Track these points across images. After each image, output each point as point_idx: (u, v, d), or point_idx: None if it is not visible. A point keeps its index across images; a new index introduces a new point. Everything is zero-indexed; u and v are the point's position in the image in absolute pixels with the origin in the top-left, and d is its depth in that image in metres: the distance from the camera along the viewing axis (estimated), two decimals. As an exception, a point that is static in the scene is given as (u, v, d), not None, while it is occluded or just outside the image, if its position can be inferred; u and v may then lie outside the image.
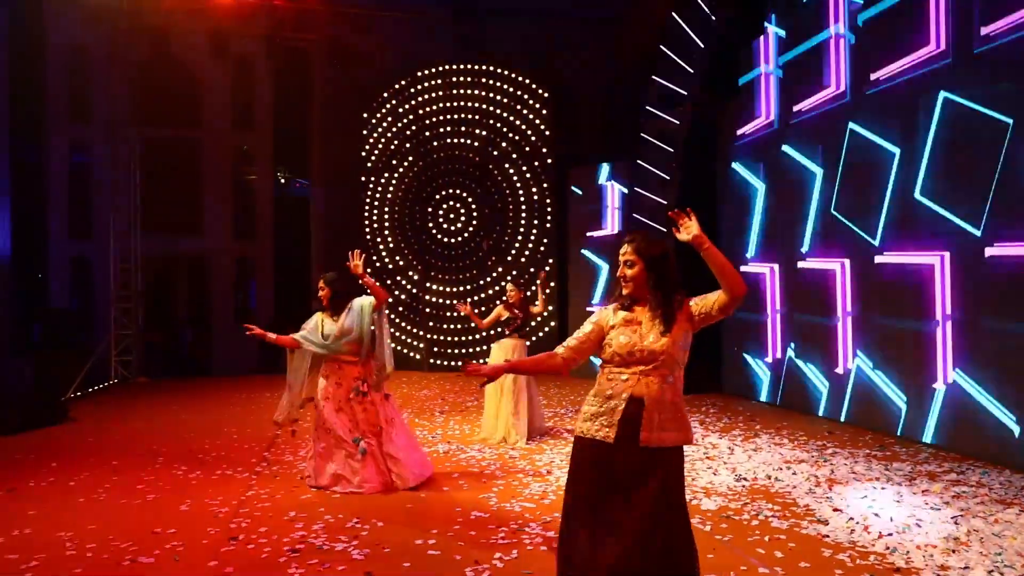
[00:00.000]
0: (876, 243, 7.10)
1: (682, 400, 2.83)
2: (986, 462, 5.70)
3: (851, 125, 7.45)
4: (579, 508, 2.78)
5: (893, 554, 3.82)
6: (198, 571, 3.72)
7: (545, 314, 7.39)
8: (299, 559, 3.87)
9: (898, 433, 6.72)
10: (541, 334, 12.21)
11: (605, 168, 11.73)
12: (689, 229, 2.75)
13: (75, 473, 5.75)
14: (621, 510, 2.69)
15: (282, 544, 4.09)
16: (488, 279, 13.00)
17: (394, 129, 13.24)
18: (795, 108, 8.36)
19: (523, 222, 13.00)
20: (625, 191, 11.33)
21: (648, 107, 10.59)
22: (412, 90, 13.15)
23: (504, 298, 7.30)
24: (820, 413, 7.89)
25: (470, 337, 12.76)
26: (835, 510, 4.56)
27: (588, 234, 11.95)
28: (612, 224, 11.63)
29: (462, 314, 7.78)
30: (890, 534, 4.09)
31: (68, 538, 4.20)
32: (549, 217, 12.87)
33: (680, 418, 2.78)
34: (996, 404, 5.75)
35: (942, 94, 6.25)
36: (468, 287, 13.01)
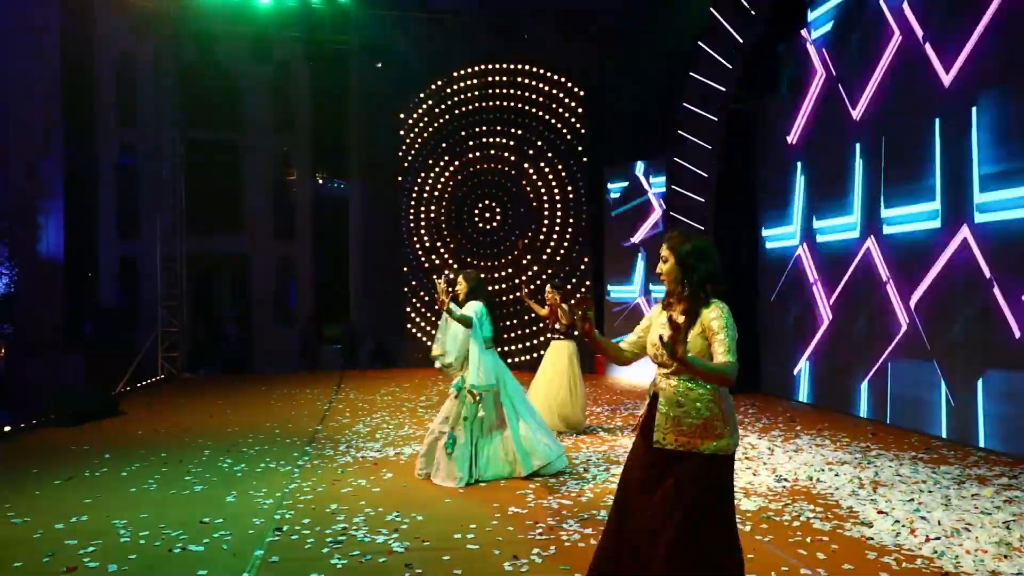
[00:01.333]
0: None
1: (715, 405, 2.69)
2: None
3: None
4: (616, 494, 2.92)
5: (941, 558, 3.73)
6: (245, 560, 3.82)
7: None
8: (341, 550, 3.95)
9: (944, 435, 6.55)
10: (576, 332, 12.17)
11: (640, 166, 11.65)
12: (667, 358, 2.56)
13: (126, 464, 5.96)
14: (639, 504, 2.76)
15: (324, 536, 4.18)
16: (524, 277, 13.04)
17: (430, 129, 13.37)
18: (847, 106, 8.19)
19: (559, 221, 13.01)
20: (662, 190, 11.24)
21: (686, 104, 10.49)
22: (448, 90, 13.27)
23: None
24: (862, 414, 7.72)
25: (515, 333, 12.79)
26: (880, 512, 4.46)
27: (631, 233, 11.88)
28: (648, 223, 11.55)
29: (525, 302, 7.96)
30: (938, 538, 3.99)
31: (122, 526, 4.37)
32: (584, 216, 12.85)
33: (703, 423, 2.67)
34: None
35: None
36: (504, 286, 13.07)
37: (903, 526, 4.19)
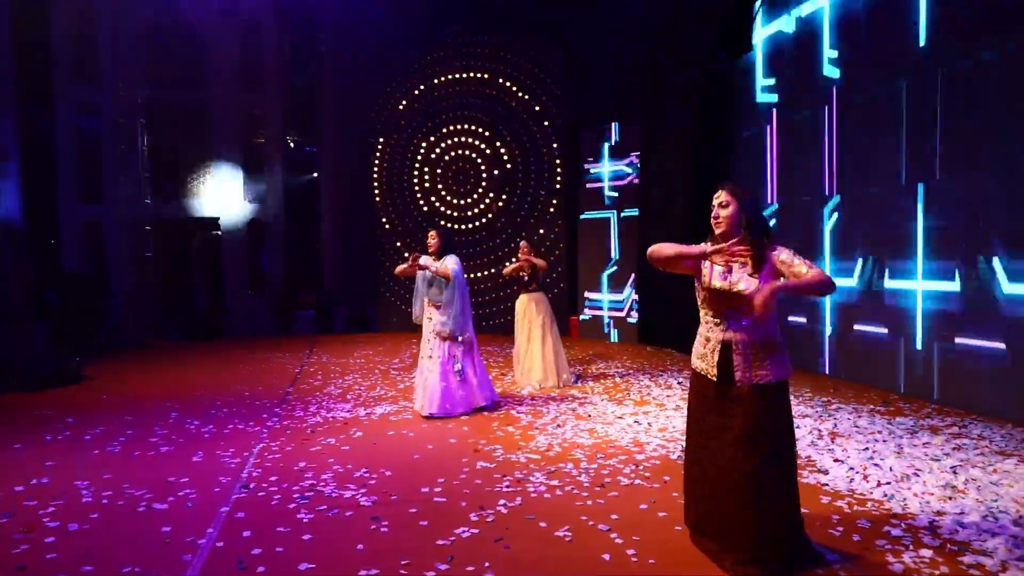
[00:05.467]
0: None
1: (776, 338, 3.02)
2: (989, 416, 5.71)
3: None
4: (691, 431, 3.21)
5: (890, 501, 3.86)
6: (210, 516, 3.83)
7: (546, 267, 7.62)
8: (308, 505, 3.98)
9: (901, 390, 6.73)
10: (550, 295, 12.22)
11: (616, 128, 11.59)
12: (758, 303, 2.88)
13: (90, 428, 5.91)
14: (716, 437, 3.04)
15: (292, 492, 4.21)
16: (499, 240, 13.00)
17: (403, 90, 13.13)
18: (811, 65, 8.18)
19: (532, 183, 12.94)
20: (638, 152, 11.20)
21: (662, 67, 10.40)
22: (422, 51, 13.00)
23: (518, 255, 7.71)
24: (826, 371, 7.90)
25: (487, 297, 12.81)
26: (836, 461, 4.60)
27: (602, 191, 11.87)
28: (623, 183, 11.53)
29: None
30: (888, 483, 4.13)
31: (84, 487, 4.35)
32: (559, 178, 12.79)
33: (775, 356, 2.99)
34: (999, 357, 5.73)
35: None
36: (479, 248, 13.03)
37: (857, 473, 4.33)
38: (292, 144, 14.57)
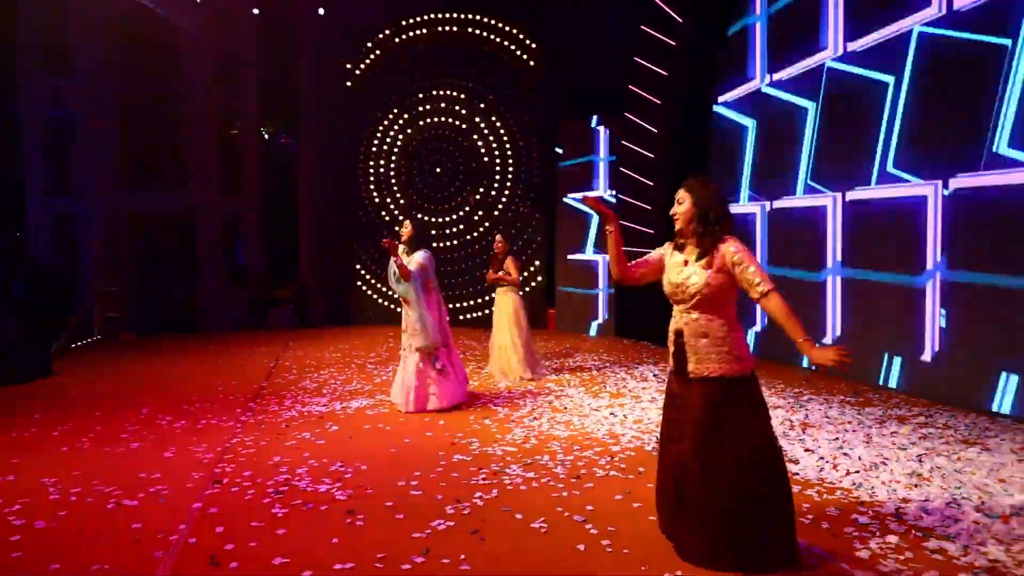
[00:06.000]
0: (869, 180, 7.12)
1: (732, 333, 3.02)
2: (955, 406, 5.84)
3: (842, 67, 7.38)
4: (662, 423, 3.24)
5: (859, 489, 3.94)
6: (182, 512, 3.79)
7: (515, 279, 7.60)
8: (282, 500, 3.95)
9: (871, 381, 6.86)
10: (528, 289, 12.27)
11: (594, 121, 11.61)
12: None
13: (58, 423, 5.80)
14: (676, 430, 3.08)
15: (266, 487, 4.17)
16: (476, 233, 12.98)
17: (380, 81, 13.02)
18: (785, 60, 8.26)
19: (511, 175, 12.92)
20: (616, 144, 11.23)
21: (637, 59, 10.43)
22: (398, 40, 12.89)
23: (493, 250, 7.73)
24: (802, 363, 8.02)
25: (464, 291, 12.79)
26: (807, 450, 4.68)
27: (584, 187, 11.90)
28: (601, 177, 11.57)
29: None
30: (857, 472, 4.22)
31: (52, 484, 4.27)
32: (537, 171, 12.79)
33: (727, 350, 2.98)
34: (969, 349, 5.87)
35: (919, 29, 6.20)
36: (456, 241, 12.99)
37: (827, 462, 4.41)
38: (268, 136, 14.38)
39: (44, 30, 12.19)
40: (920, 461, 4.37)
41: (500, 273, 7.65)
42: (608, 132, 11.38)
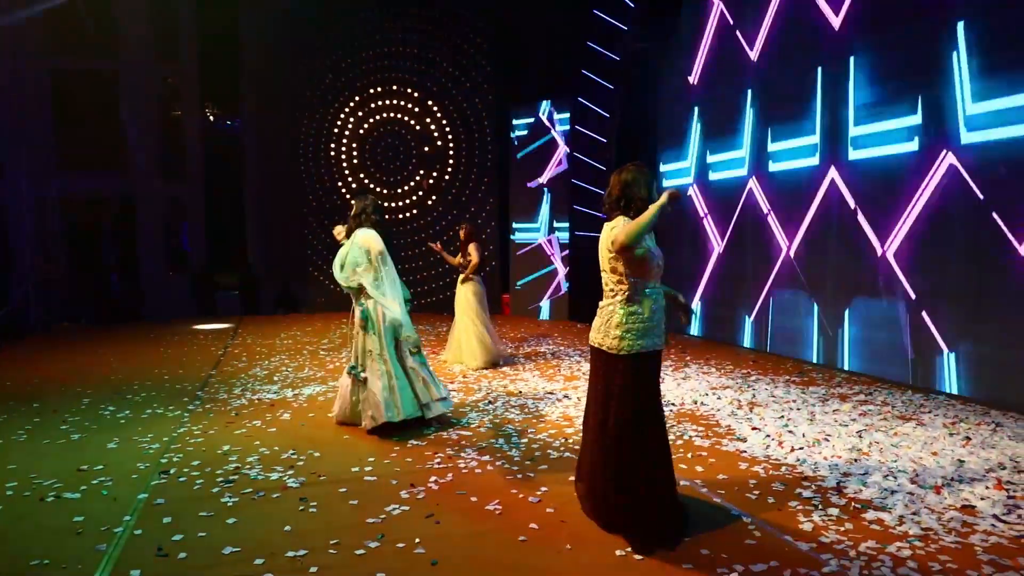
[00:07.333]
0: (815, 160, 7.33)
1: (616, 309, 3.18)
2: (892, 384, 6.11)
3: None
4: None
5: (803, 465, 4.09)
6: (127, 504, 3.67)
7: (474, 263, 7.59)
8: (232, 489, 3.87)
9: (815, 360, 7.12)
10: (483, 273, 12.22)
11: (546, 106, 11.61)
12: None
13: (-7, 416, 5.54)
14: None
15: (215, 476, 4.08)
16: (429, 218, 12.87)
17: (328, 63, 12.71)
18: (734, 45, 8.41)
19: (463, 161, 12.83)
20: (566, 129, 11.27)
21: (589, 43, 10.46)
22: (348, 24, 12.59)
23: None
24: (746, 344, 8.25)
25: (419, 276, 12.69)
26: (753, 429, 4.83)
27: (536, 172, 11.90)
28: (552, 162, 11.59)
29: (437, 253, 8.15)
30: (801, 448, 4.38)
31: (-14, 478, 4.08)
32: (490, 155, 12.74)
33: (604, 324, 3.21)
34: (904, 328, 6.13)
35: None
36: (409, 227, 12.86)
37: (772, 439, 4.56)
38: (212, 117, 13.91)
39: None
40: (860, 436, 4.56)
41: (457, 257, 7.62)
42: (558, 116, 11.39)
